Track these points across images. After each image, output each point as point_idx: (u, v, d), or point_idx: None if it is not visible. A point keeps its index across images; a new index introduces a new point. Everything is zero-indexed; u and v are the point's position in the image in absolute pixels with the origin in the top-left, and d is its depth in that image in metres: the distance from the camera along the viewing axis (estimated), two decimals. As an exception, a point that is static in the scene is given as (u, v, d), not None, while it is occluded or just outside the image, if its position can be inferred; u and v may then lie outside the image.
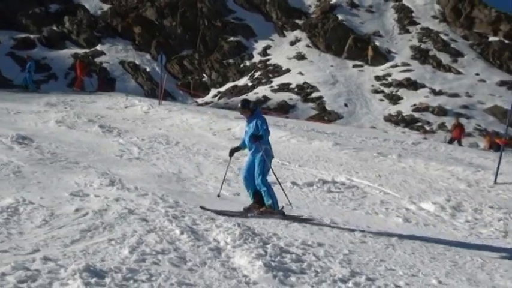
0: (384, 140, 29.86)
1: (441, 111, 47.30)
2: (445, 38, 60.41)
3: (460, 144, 34.62)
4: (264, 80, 55.28)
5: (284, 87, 52.28)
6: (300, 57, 58.85)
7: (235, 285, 8.00)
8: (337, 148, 24.21)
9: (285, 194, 13.44)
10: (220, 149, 22.25)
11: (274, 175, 13.40)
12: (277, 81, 54.19)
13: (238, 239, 10.13)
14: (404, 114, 47.63)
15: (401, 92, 51.79)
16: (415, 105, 48.84)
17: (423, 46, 59.61)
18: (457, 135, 35.59)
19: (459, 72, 55.00)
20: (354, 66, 57.25)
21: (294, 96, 50.56)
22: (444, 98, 49.96)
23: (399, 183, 18.84)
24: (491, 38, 59.55)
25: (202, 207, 12.57)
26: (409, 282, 9.21)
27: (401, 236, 12.58)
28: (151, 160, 19.18)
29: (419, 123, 45.84)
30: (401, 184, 18.69)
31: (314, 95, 50.93)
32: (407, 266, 10.38)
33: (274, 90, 51.94)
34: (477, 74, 54.38)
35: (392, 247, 11.55)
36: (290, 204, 12.98)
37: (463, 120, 40.86)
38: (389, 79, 54.08)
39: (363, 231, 12.57)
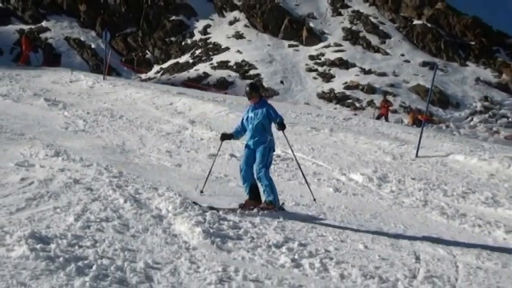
0: (317, 115, 30.03)
1: (370, 89, 47.83)
2: (374, 20, 60.95)
3: (386, 120, 35.10)
4: (204, 58, 54.99)
5: (223, 65, 52.09)
6: (239, 36, 58.67)
7: (175, 251, 7.97)
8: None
9: (311, 190, 12.06)
10: (162, 123, 22.09)
11: (301, 170, 12.53)
12: (216, 58, 53.97)
13: (179, 207, 10.11)
14: (336, 92, 48.01)
15: (334, 70, 52.15)
16: (346, 83, 49.26)
17: (354, 28, 60.07)
18: (384, 111, 36.07)
19: (386, 53, 55.65)
20: (290, 46, 57.35)
21: (233, 74, 50.45)
22: (373, 76, 50.51)
23: (330, 155, 19.00)
24: (416, 22, 60.28)
25: (195, 203, 10.48)
26: (338, 247, 9.32)
27: (331, 205, 12.73)
28: (96, 132, 18.89)
29: (350, 100, 46.27)
30: (333, 157, 18.85)
31: (252, 72, 50.90)
32: (337, 232, 10.49)
33: (214, 68, 51.73)
34: (402, 55, 55.12)
35: (323, 215, 11.67)
36: (315, 199, 11.88)
37: (389, 98, 41.36)
38: (323, 58, 54.37)
39: (296, 200, 12.68)
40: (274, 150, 11.16)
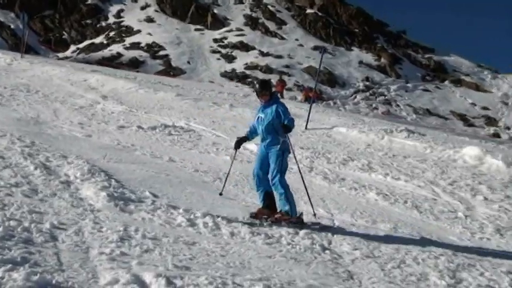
0: (219, 92, 29.99)
1: (268, 70, 48.08)
2: (272, 8, 61.12)
3: (282, 97, 35.35)
4: (117, 39, 53.80)
5: (135, 46, 51.16)
6: (149, 20, 57.68)
7: (81, 213, 7.77)
8: (179, 98, 24.02)
9: (311, 202, 9.52)
10: (76, 97, 21.47)
11: (302, 179, 9.71)
12: (129, 40, 52.95)
13: (86, 173, 9.87)
14: (237, 71, 48.03)
15: (235, 52, 52.09)
16: (246, 64, 49.33)
17: (254, 15, 60.08)
18: (280, 89, 36.32)
19: (283, 38, 56.00)
20: (196, 29, 56.85)
21: (144, 54, 49.64)
22: (270, 58, 50.77)
23: (229, 128, 19.01)
24: (308, 10, 60.84)
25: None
26: (233, 206, 9.38)
27: (227, 171, 12.73)
28: (12, 106, 18.12)
29: (250, 79, 46.36)
30: (231, 129, 18.86)
31: (161, 53, 50.21)
32: (232, 194, 10.54)
33: (127, 48, 50.75)
34: (297, 40, 55.60)
35: (219, 180, 11.67)
36: (315, 214, 9.30)
37: (285, 77, 41.71)
38: (226, 42, 54.19)
39: (196, 167, 12.63)
40: (289, 153, 9.11)
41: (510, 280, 7.35)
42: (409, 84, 48.67)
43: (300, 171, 9.50)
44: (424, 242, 8.90)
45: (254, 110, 23.22)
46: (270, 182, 8.81)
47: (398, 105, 44.32)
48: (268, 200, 8.93)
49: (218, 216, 8.45)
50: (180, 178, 11.18)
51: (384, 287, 6.60)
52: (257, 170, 8.98)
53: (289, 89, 41.84)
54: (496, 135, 38.44)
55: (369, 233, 9.01)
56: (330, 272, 6.85)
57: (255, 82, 9.51)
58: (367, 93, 45.82)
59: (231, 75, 47.31)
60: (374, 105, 43.22)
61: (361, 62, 52.46)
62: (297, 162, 9.57)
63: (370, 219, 10.16)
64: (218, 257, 6.74)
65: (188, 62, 49.10)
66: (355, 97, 45.17)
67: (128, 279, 5.49)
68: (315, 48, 52.74)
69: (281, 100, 9.45)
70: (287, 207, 8.74)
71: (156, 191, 9.62)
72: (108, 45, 52.70)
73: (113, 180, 9.67)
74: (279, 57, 51.33)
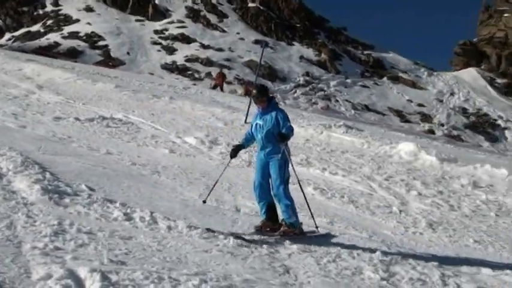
0: (159, 84, 29.78)
1: (208, 62, 47.92)
2: (213, 1, 60.90)
3: (222, 90, 35.32)
4: (55, 28, 52.61)
5: (73, 35, 50.13)
6: (89, 9, 56.64)
7: (13, 206, 7.57)
8: (118, 90, 23.73)
9: (312, 214, 8.76)
10: (10, 87, 20.93)
11: (300, 187, 8.88)
12: (67, 29, 51.84)
13: (19, 165, 9.62)
14: (178, 64, 47.68)
15: (176, 44, 51.70)
16: (187, 56, 49.02)
17: (196, 7, 59.75)
18: (220, 82, 36.29)
19: (224, 31, 55.90)
20: (137, 20, 56.16)
21: (82, 44, 48.72)
22: (211, 51, 50.60)
23: (168, 120, 18.89)
24: (250, 4, 60.89)
25: (208, 229, 7.92)
26: (170, 200, 9.31)
27: (166, 164, 12.66)
28: None
29: (190, 72, 46.13)
30: (170, 121, 18.75)
31: (100, 43, 49.38)
32: (169, 188, 10.48)
33: (65, 37, 49.68)
34: (238, 33, 55.60)
35: (157, 173, 11.58)
36: (317, 227, 8.65)
37: (225, 71, 41.66)
38: (166, 33, 53.73)
39: (133, 160, 12.50)
40: (289, 160, 8.45)
41: (441, 274, 7.56)
42: (348, 80, 49.35)
43: (298, 182, 8.77)
44: (359, 236, 9.05)
45: (194, 102, 23.25)
46: (273, 193, 8.27)
47: (337, 101, 44.89)
48: (270, 212, 8.37)
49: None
50: (118, 171, 11.04)
51: (319, 281, 6.69)
52: (259, 181, 8.37)
53: (230, 83, 41.82)
54: (431, 131, 39.43)
55: (308, 225, 9.09)
56: (266, 266, 6.90)
57: (253, 88, 8.63)
58: (307, 88, 46.22)
59: (171, 68, 46.93)
60: (313, 100, 43.64)
61: (301, 57, 52.87)
62: (295, 173, 8.66)
63: (307, 213, 10.27)
64: (154, 252, 6.69)
65: (128, 53, 48.45)
66: (295, 92, 45.50)
67: (62, 274, 5.39)
68: (256, 42, 52.86)
69: (222, 91, 9.35)
70: (292, 220, 8.23)
71: (93, 184, 9.46)
72: (45, 33, 51.49)
73: (47, 173, 9.45)
74: (220, 50, 51.23)
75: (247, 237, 7.89)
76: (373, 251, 8.22)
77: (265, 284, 6.20)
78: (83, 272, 5.51)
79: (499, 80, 53.08)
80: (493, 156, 25.64)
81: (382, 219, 11.01)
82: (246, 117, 20.64)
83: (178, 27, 55.15)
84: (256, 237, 8.05)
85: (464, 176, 15.77)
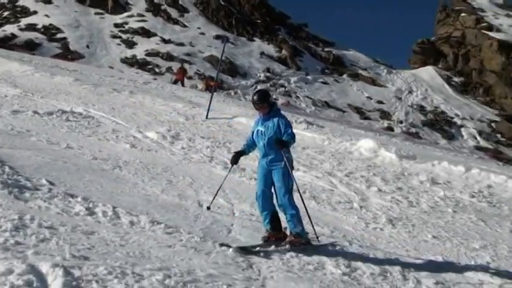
0: (119, 78, 29.49)
1: (169, 57, 47.57)
2: (174, -5, 60.49)
3: (182, 85, 35.17)
4: (12, 20, 51.55)
5: (31, 27, 49.19)
6: (47, 1, 55.59)
7: (-29, 201, 7.44)
8: (78, 83, 23.43)
9: (312, 225, 8.35)
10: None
11: (300, 196, 8.48)
12: (24, 21, 50.81)
13: (-23, 159, 9.45)
14: (138, 58, 47.21)
15: (136, 38, 51.16)
16: (147, 50, 48.59)
17: (156, 1, 59.23)
18: (180, 77, 36.12)
19: (185, 25, 55.56)
20: (96, 13, 55.37)
21: (40, 36, 47.82)
22: (172, 46, 50.24)
23: (129, 115, 18.73)
24: (212, -1, 60.68)
25: (222, 244, 7.49)
26: (132, 195, 9.26)
27: (127, 159, 12.56)
28: None
29: (150, 66, 45.76)
30: (131, 116, 18.60)
31: (59, 36, 48.56)
32: (131, 183, 10.41)
33: (22, 29, 48.69)
34: (199, 28, 55.31)
35: (119, 168, 11.49)
36: (317, 237, 8.21)
37: (186, 65, 41.48)
38: (127, 27, 53.12)
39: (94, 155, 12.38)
40: (293, 168, 8.17)
41: (401, 269, 7.70)
42: (309, 77, 49.59)
43: (298, 190, 8.35)
44: (321, 232, 9.14)
45: (155, 96, 23.11)
46: (278, 203, 7.93)
47: (298, 97, 45.08)
48: (275, 222, 8.03)
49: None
50: (78, 166, 10.92)
51: (282, 276, 6.75)
52: (261, 190, 7.97)
53: (190, 77, 41.62)
54: (390, 128, 39.91)
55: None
56: (229, 261, 6.93)
57: (253, 93, 8.21)
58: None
59: (131, 62, 46.43)
60: (274, 96, 43.74)
61: (262, 53, 52.91)
62: (295, 181, 8.21)
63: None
64: (117, 247, 6.65)
65: (87, 46, 47.77)
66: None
67: (23, 269, 5.32)
68: (217, 37, 52.69)
69: (183, 86, 9.25)
70: (299, 229, 7.90)
71: (53, 178, 9.33)
72: (1, 25, 50.37)
73: (6, 167, 9.29)
74: (181, 44, 50.90)
75: (256, 249, 7.58)
76: (334, 246, 8.33)
77: (228, 279, 6.23)
78: (44, 267, 5.45)
79: (455, 79, 54.01)
80: (450, 153, 26.14)
81: (343, 215, 11.14)
82: (208, 113, 20.62)
83: (138, 21, 54.60)
84: (265, 248, 7.72)
85: (422, 173, 16.06)
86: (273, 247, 7.75)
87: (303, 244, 7.89)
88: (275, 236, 7.96)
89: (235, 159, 8.44)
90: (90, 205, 8.12)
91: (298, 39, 59.06)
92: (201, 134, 17.24)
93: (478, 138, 42.71)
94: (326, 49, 58.04)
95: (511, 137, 43.08)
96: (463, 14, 57.33)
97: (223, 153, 15.25)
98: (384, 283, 7.10)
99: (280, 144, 7.79)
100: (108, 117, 17.72)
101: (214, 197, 9.02)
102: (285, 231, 8.03)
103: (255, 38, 56.01)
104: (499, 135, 43.53)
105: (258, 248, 7.65)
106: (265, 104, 7.98)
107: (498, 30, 53.86)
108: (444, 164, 17.10)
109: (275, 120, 7.96)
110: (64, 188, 8.89)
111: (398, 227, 10.88)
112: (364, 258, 7.92)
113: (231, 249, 7.30)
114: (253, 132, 8.28)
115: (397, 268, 7.70)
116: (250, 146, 8.39)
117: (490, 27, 54.37)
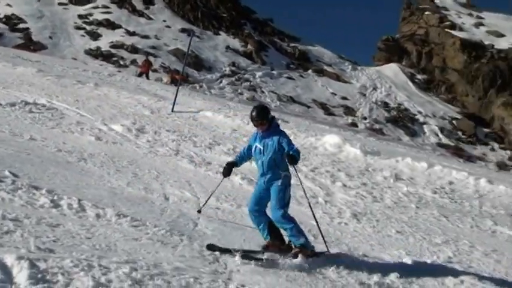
0: (83, 70, 29.15)
1: (134, 49, 47.16)
2: (140, -13, 59.97)
3: (147, 78, 34.94)
4: (-29, 9, 50.55)
5: (-8, 17, 48.31)
6: (9, -9, 54.66)
7: None
8: (41, 74, 23.07)
9: (323, 237, 8.11)
10: None
11: (311, 209, 8.52)
12: (-15, 11, 49.89)
13: None
14: (102, 50, 46.69)
15: (101, 30, 50.58)
16: (112, 42, 48.10)
17: (121, -8, 58.69)
18: (145, 70, 35.89)
19: (150, 18, 55.11)
20: (60, 4, 54.54)
21: (2, 26, 46.97)
22: (137, 38, 49.78)
23: (94, 107, 18.53)
24: (178, -8, 60.32)
25: (210, 246, 7.34)
26: (98, 187, 9.18)
27: (92, 152, 12.46)
28: None
29: (115, 58, 45.30)
30: (96, 108, 18.40)
31: (21, 25, 47.77)
32: (96, 175, 10.33)
33: (-17, 19, 47.82)
34: (164, 21, 54.93)
35: (84, 161, 11.39)
36: (328, 250, 7.92)
37: (151, 58, 41.20)
38: (91, 18, 52.47)
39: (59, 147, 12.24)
40: (290, 185, 7.78)
41: (366, 263, 7.80)
42: (274, 72, 49.68)
43: (310, 205, 8.46)
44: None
45: (120, 89, 22.90)
46: (274, 220, 7.61)
47: (263, 92, 45.12)
48: (273, 231, 7.73)
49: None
50: (42, 157, 10.78)
51: (248, 269, 6.78)
52: (252, 207, 7.74)
53: (155, 71, 41.35)
54: (354, 124, 40.25)
55: (235, 216, 9.20)
56: (196, 254, 6.94)
57: (252, 109, 7.82)
58: (233, 79, 46.22)
59: (95, 53, 45.91)
60: (239, 91, 43.74)
61: (228, 47, 52.81)
62: (306, 197, 8.68)
63: (235, 203, 10.35)
64: (83, 239, 6.61)
65: (50, 37, 47.04)
66: (221, 81, 45.44)
67: (-12, 261, 5.26)
68: (183, 30, 52.41)
69: (147, 79, 9.15)
70: (302, 241, 7.55)
71: (16, 170, 9.19)
72: (-42, 15, 49.37)
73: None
74: (146, 37, 50.47)
75: (258, 256, 7.32)
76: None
77: (195, 272, 6.24)
78: (9, 260, 5.38)
79: (419, 76, 54.69)
80: (413, 150, 26.53)
81: (308, 210, 11.20)
82: (173, 106, 20.53)
83: (103, 12, 53.98)
84: (267, 255, 7.41)
85: (386, 169, 16.27)
86: (277, 256, 7.43)
87: (310, 256, 7.49)
88: (277, 246, 7.68)
89: (227, 171, 8.11)
90: (55, 197, 8.03)
91: (263, 34, 59.10)
92: (167, 128, 17.16)
93: (440, 135, 43.35)
94: (291, 44, 58.21)
95: (472, 134, 43.83)
96: (427, 13, 58.06)
97: (189, 146, 15.23)
98: (349, 277, 7.18)
99: (291, 160, 7.43)
100: (72, 109, 17.52)
101: (207, 201, 8.80)
102: (289, 244, 7.69)
103: (220, 32, 55.87)
104: (460, 133, 44.24)
105: (261, 256, 7.35)
106: (264, 120, 7.64)
107: (461, 29, 54.69)
108: (407, 160, 17.34)
109: (275, 138, 7.64)
110: (28, 180, 8.76)
111: (362, 222, 11.02)
112: (330, 252, 7.99)
113: (237, 256, 7.08)
114: (249, 146, 7.96)
115: (362, 263, 7.80)
116: (243, 158, 8.14)
117: (453, 26, 55.18)
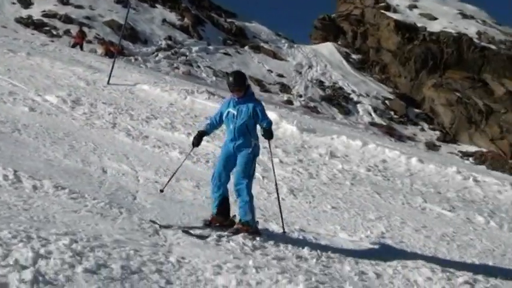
0: (14, 38, 28.33)
1: (67, 19, 45.98)
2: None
3: (81, 49, 34.21)
4: None
5: None
6: None
7: None
8: (-31, 42, 22.31)
9: (282, 219, 8.07)
10: None
11: (277, 191, 8.48)
12: None
13: None
14: (34, 19, 45.35)
15: None
16: (44, 11, 46.76)
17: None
18: (80, 41, 35.14)
19: (84, -13, 53.85)
20: (-11, -32, 52.65)
21: None
22: (70, 8, 48.55)
23: (27, 77, 18.08)
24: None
25: (153, 221, 7.31)
26: (34, 159, 9.02)
27: (27, 122, 12.19)
28: None
29: (48, 28, 44.09)
30: (29, 78, 17.96)
31: None
32: (32, 147, 10.13)
33: None
34: (99, -9, 53.81)
35: (18, 131, 11.14)
36: (284, 232, 7.99)
37: (85, 29, 40.33)
38: (22, -15, 50.87)
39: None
40: (258, 155, 7.81)
41: (302, 236, 7.97)
42: (210, 47, 49.44)
43: (276, 186, 8.42)
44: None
45: (53, 59, 22.38)
46: (234, 187, 7.54)
47: (199, 67, 44.87)
48: (223, 206, 7.71)
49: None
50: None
51: (188, 242, 6.83)
52: (219, 171, 7.62)
53: (90, 42, 40.50)
54: (289, 102, 40.58)
55: (173, 189, 9.21)
56: (136, 227, 6.93)
57: (229, 75, 7.79)
58: (169, 52, 45.74)
59: (26, 22, 44.55)
60: (175, 65, 43.35)
61: (164, 21, 52.16)
62: (274, 175, 8.54)
63: (174, 177, 10.35)
64: (21, 211, 6.51)
65: (-22, 4, 45.45)
66: (157, 55, 44.90)
67: None
68: (118, 1, 51.39)
69: (82, 50, 9.03)
70: (248, 218, 7.49)
71: None
72: None
73: None
74: (80, 7, 49.27)
75: (197, 232, 7.25)
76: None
77: (135, 245, 6.24)
78: None
79: (354, 56, 55.52)
80: (347, 128, 27.02)
81: (263, 189, 11.33)
82: (109, 79, 20.24)
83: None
84: (207, 231, 7.37)
85: (322, 146, 16.54)
86: (212, 231, 7.37)
87: (250, 233, 7.45)
88: (220, 221, 7.68)
89: (197, 141, 7.93)
90: (-11, 168, 7.86)
91: (200, 8, 58.64)
92: (103, 100, 16.93)
93: (373, 114, 44.23)
94: (228, 20, 58.01)
95: (403, 115, 44.92)
96: (363, -7, 58.83)
97: (126, 120, 15.08)
98: (287, 251, 7.31)
99: (268, 134, 7.50)
100: (4, 78, 17.06)
101: (169, 181, 8.53)
102: (232, 218, 7.77)
103: (157, 5, 55.11)
104: (392, 113, 45.27)
105: (196, 232, 7.29)
106: (241, 87, 7.59)
107: (395, 11, 55.70)
108: (342, 138, 17.68)
109: (250, 105, 7.62)
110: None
111: (299, 197, 11.21)
112: (268, 227, 8.14)
113: (171, 229, 7.10)
114: (221, 113, 7.83)
115: (299, 236, 7.97)
116: (214, 127, 8.00)
117: (388, 7, 56.12)
